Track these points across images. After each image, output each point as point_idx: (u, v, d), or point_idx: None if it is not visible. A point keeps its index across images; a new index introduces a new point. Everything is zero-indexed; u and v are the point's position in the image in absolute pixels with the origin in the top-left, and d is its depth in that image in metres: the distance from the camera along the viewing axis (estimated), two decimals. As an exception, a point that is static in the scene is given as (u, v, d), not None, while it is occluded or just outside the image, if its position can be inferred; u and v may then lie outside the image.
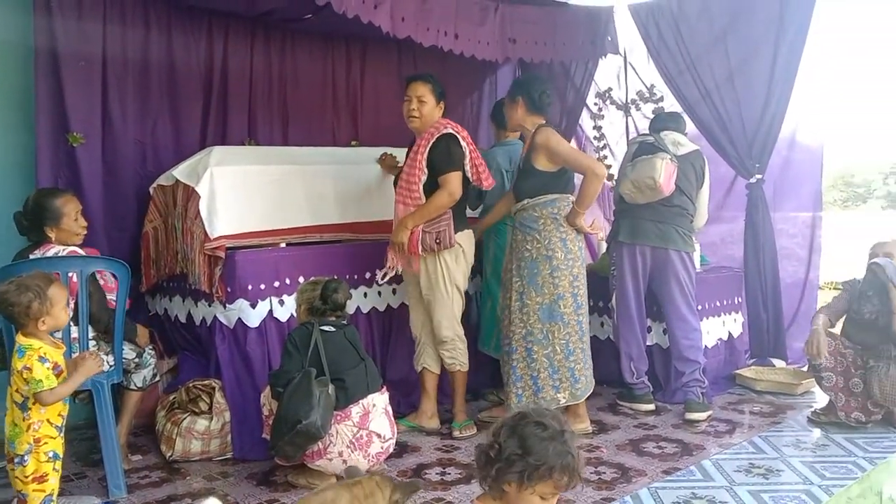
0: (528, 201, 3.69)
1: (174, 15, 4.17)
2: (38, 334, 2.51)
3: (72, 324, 2.99)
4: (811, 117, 4.91)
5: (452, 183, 3.58)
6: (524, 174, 3.74)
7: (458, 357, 3.77)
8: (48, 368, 2.46)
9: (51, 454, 2.51)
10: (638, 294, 4.15)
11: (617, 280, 4.18)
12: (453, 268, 3.70)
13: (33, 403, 2.47)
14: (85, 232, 3.34)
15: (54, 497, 2.54)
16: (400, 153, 4.06)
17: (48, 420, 2.51)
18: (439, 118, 3.70)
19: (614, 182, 4.51)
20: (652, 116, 4.79)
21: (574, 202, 3.66)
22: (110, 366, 3.16)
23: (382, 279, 3.77)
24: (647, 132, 4.29)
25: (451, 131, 3.64)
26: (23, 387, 2.45)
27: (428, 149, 3.61)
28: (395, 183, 3.81)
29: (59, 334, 2.82)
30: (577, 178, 3.80)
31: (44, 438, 2.50)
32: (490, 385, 4.42)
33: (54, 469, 2.52)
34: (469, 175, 3.70)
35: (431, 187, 3.61)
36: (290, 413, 2.90)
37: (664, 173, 3.84)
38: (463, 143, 3.66)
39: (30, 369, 2.43)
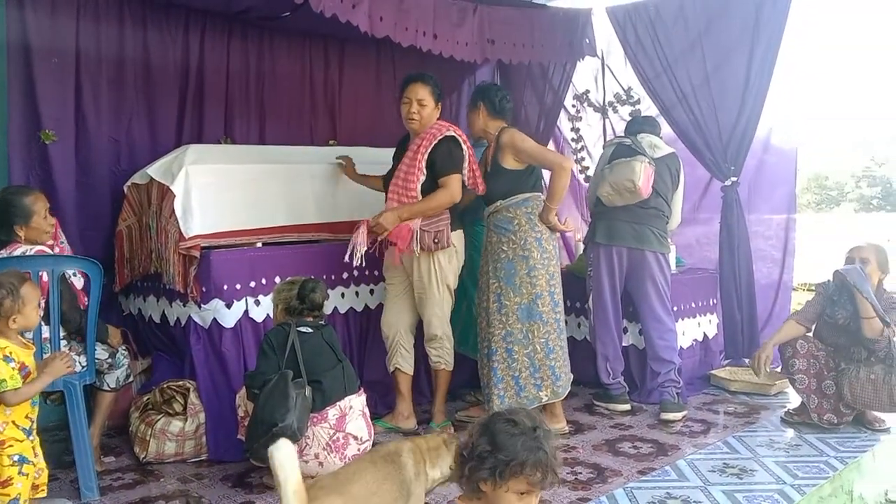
0: (500, 203, 3.73)
1: (150, 11, 4.13)
2: (7, 333, 2.47)
3: (43, 323, 2.95)
4: (785, 121, 4.98)
5: (454, 185, 3.61)
6: (493, 175, 3.76)
7: (444, 356, 3.79)
8: (13, 368, 2.41)
9: (16, 458, 2.44)
10: (614, 295, 4.18)
11: (593, 281, 4.21)
12: (446, 267, 3.72)
13: (4, 405, 2.42)
14: (52, 230, 3.29)
15: (20, 501, 2.46)
16: (381, 152, 4.05)
17: (13, 422, 2.45)
18: (437, 119, 3.73)
19: (589, 183, 4.53)
20: (629, 119, 4.83)
21: (545, 199, 3.71)
22: (82, 366, 3.11)
23: (349, 258, 3.66)
24: (624, 135, 4.31)
25: (453, 134, 3.67)
26: None
27: (429, 150, 3.62)
28: (386, 182, 3.78)
29: (29, 335, 2.77)
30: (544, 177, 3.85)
31: (8, 441, 2.43)
32: (468, 385, 4.42)
33: (20, 473, 2.45)
34: (465, 179, 3.72)
35: (429, 188, 3.62)
36: (266, 415, 2.87)
37: (643, 176, 3.88)
38: (463, 147, 3.69)
39: None
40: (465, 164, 3.70)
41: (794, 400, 4.16)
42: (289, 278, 3.25)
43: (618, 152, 4.06)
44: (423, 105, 3.67)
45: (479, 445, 1.74)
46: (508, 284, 3.68)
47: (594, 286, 4.19)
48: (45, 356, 2.83)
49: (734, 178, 4.66)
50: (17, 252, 3.04)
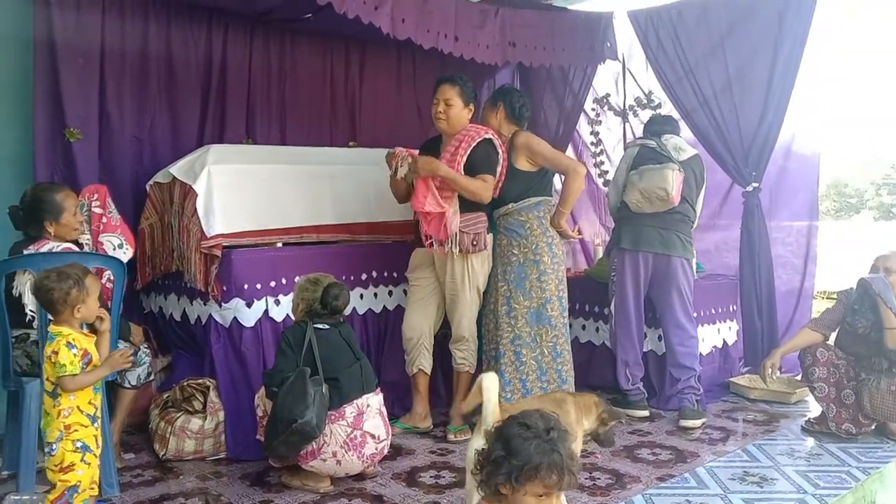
0: (512, 206, 3.75)
1: (174, 12, 4.16)
2: (70, 322, 2.51)
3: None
4: (808, 126, 4.93)
5: (491, 185, 3.64)
6: (505, 176, 3.76)
7: (469, 358, 3.81)
8: (74, 355, 2.45)
9: (79, 444, 2.46)
10: (638, 301, 4.14)
11: (617, 286, 4.16)
12: (479, 270, 3.74)
13: (62, 390, 2.45)
14: (81, 227, 3.32)
15: (81, 489, 2.47)
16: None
17: (78, 407, 2.47)
18: (474, 122, 3.76)
19: (608, 187, 4.49)
20: (648, 119, 4.78)
21: (558, 203, 3.73)
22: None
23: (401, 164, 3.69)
24: (646, 136, 4.27)
25: (491, 137, 3.69)
26: (52, 373, 2.44)
27: (468, 151, 3.63)
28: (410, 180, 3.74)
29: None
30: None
31: (74, 426, 2.46)
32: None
33: (83, 460, 2.47)
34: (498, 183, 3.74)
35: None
36: (285, 412, 2.89)
37: (675, 185, 3.87)
38: (499, 151, 3.71)
39: (56, 353, 2.42)
40: (498, 167, 3.71)
41: (814, 409, 4.12)
42: (312, 276, 3.25)
43: (643, 154, 4.03)
44: (449, 105, 3.69)
45: (495, 450, 1.74)
46: (518, 288, 3.70)
47: (617, 292, 4.16)
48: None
49: (756, 184, 4.62)
50: (45, 248, 3.07)
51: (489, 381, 2.48)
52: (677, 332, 4.07)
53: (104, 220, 3.33)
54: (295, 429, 2.87)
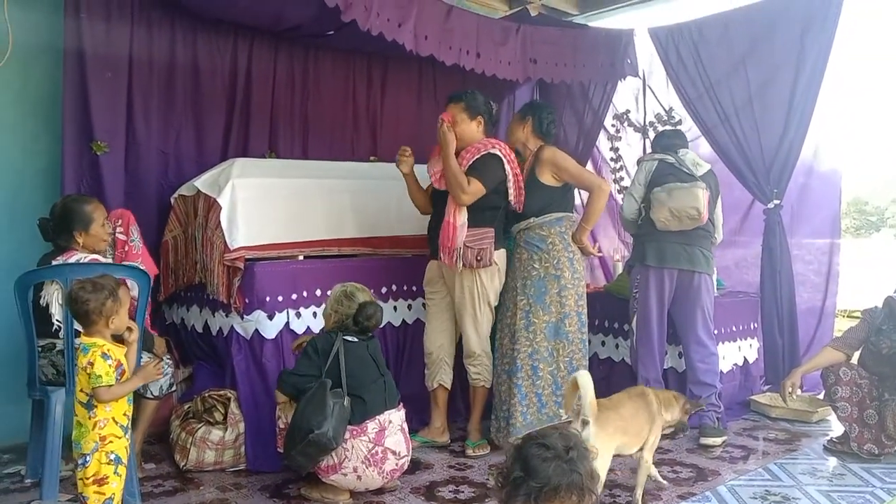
0: (533, 220, 3.75)
1: (200, 28, 4.23)
2: (104, 333, 2.53)
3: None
4: (830, 143, 4.91)
5: (472, 188, 3.59)
6: (528, 190, 3.77)
7: (483, 373, 3.79)
8: (110, 366, 2.47)
9: (113, 457, 2.48)
10: (661, 318, 4.10)
11: (640, 303, 4.12)
12: (488, 286, 3.72)
13: (97, 403, 2.47)
14: (109, 239, 3.37)
15: (115, 502, 2.49)
16: (421, 168, 4.07)
17: (113, 418, 2.49)
18: (488, 137, 3.76)
19: (620, 209, 4.47)
20: (658, 133, 4.76)
21: (581, 219, 3.75)
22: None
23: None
24: (656, 150, 4.23)
25: (496, 152, 3.69)
26: (86, 384, 2.46)
27: (470, 164, 3.66)
28: (436, 195, 3.79)
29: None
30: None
31: (109, 437, 2.47)
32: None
33: (116, 473, 2.49)
34: (511, 197, 3.73)
35: (473, 203, 3.63)
36: (304, 423, 2.91)
37: (705, 203, 3.87)
38: (507, 167, 3.70)
39: (92, 364, 2.44)
40: (510, 183, 3.70)
41: (836, 428, 4.07)
42: (350, 288, 3.27)
43: (662, 169, 4.02)
44: (455, 123, 3.72)
45: (513, 471, 1.72)
46: (538, 302, 3.69)
47: (640, 309, 4.12)
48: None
49: (777, 201, 4.60)
50: (73, 259, 3.11)
51: (584, 378, 2.82)
52: (698, 349, 4.04)
53: (127, 247, 3.38)
54: (311, 439, 2.89)
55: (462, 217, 3.63)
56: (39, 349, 3.10)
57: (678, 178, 3.96)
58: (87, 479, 2.45)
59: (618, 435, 2.96)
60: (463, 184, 3.58)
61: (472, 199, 3.61)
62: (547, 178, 3.75)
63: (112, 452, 2.48)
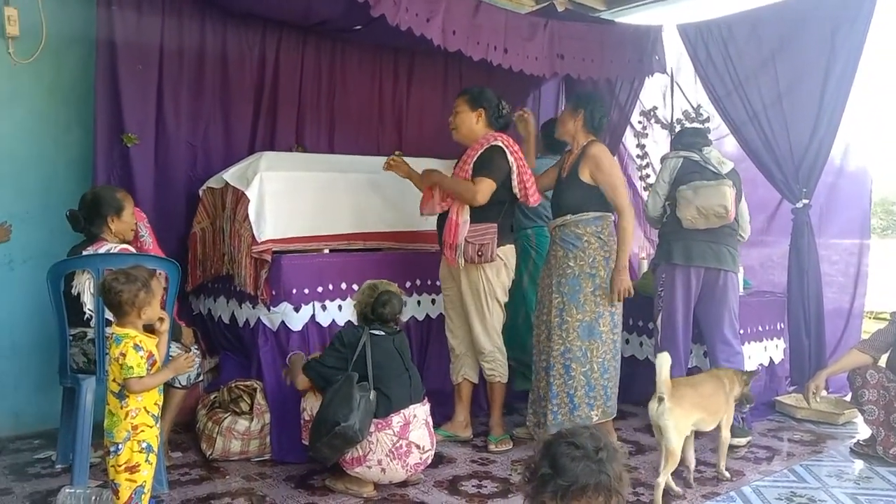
0: (570, 217, 3.69)
1: (229, 21, 4.26)
2: (136, 324, 2.55)
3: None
4: (861, 141, 4.84)
5: (480, 186, 3.59)
6: (567, 185, 3.74)
7: (498, 369, 3.78)
8: (141, 357, 2.49)
9: (144, 445, 2.50)
10: (687, 317, 4.05)
11: (665, 302, 4.07)
12: (494, 281, 3.71)
13: (128, 393, 2.49)
14: (136, 229, 3.42)
15: (146, 489, 2.52)
16: (445, 164, 4.09)
17: (145, 408, 2.51)
18: (492, 132, 3.73)
19: (644, 206, 4.43)
20: (679, 131, 4.70)
21: (617, 250, 3.61)
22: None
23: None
24: (683, 148, 4.14)
25: (499, 144, 3.67)
26: (118, 375, 2.48)
27: (475, 159, 3.65)
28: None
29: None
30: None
31: (141, 426, 2.50)
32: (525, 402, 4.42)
33: (147, 461, 2.51)
34: (516, 191, 3.71)
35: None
36: (330, 415, 2.94)
37: (732, 201, 3.82)
38: (510, 158, 3.67)
39: (124, 355, 2.46)
40: (514, 176, 3.67)
41: (862, 431, 4.03)
42: (376, 281, 3.30)
43: (687, 167, 3.98)
44: (457, 113, 3.76)
45: (541, 468, 1.71)
46: (572, 301, 3.64)
47: (665, 307, 4.07)
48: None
49: (806, 201, 4.55)
50: (103, 249, 3.17)
51: (662, 357, 3.10)
52: (724, 349, 4.01)
53: (138, 242, 3.46)
54: (337, 431, 2.91)
55: (465, 214, 3.64)
56: (71, 338, 3.16)
57: (703, 175, 3.92)
58: (119, 466, 2.48)
59: (695, 411, 3.19)
60: (469, 188, 3.59)
61: (486, 197, 3.60)
62: (586, 176, 3.66)
63: (144, 441, 2.50)
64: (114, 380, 2.51)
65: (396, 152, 4.96)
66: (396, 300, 3.23)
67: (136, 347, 2.49)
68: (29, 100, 3.82)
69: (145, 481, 2.52)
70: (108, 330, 3.05)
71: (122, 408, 2.49)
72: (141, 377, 2.48)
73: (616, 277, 3.60)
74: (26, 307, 3.80)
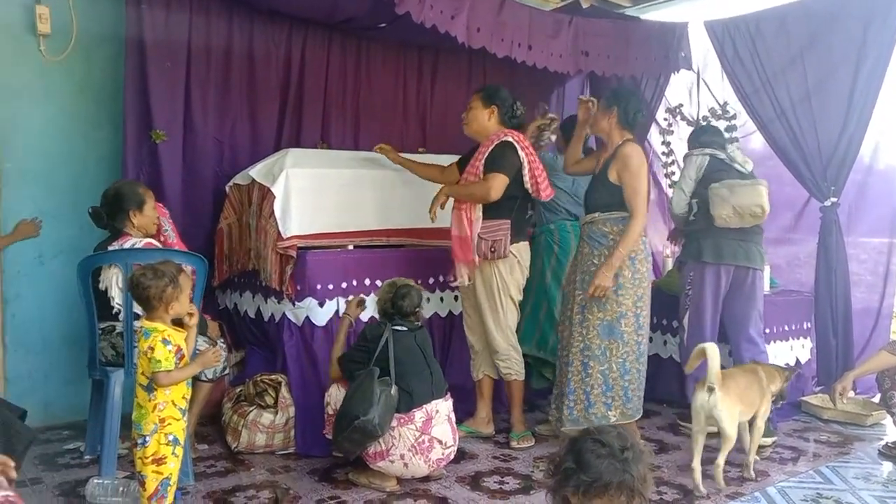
0: (598, 215, 3.65)
1: (256, 20, 4.29)
2: (164, 319, 2.58)
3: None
4: (890, 140, 4.77)
5: (492, 182, 3.59)
6: (597, 183, 3.71)
7: (514, 367, 3.78)
8: (170, 351, 2.52)
9: (171, 438, 2.53)
10: (714, 316, 4.00)
11: (692, 300, 4.02)
12: (507, 278, 3.71)
13: (156, 385, 2.52)
14: (159, 222, 3.47)
15: (172, 481, 2.55)
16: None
17: (172, 401, 2.55)
18: (504, 129, 3.73)
19: (669, 203, 4.39)
20: (697, 128, 4.61)
21: (619, 243, 3.52)
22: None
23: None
24: (709, 144, 4.08)
25: (510, 139, 3.67)
26: (147, 368, 2.52)
27: (486, 155, 3.67)
28: None
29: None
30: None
31: (168, 419, 2.53)
32: (546, 399, 4.42)
33: (173, 453, 2.54)
34: (527, 186, 3.70)
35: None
36: (350, 409, 2.97)
37: (768, 200, 3.78)
38: (521, 153, 3.67)
39: (153, 349, 2.49)
40: (525, 171, 3.66)
41: (891, 433, 3.98)
42: (393, 279, 3.34)
43: (714, 165, 3.94)
44: (469, 108, 3.79)
45: (566, 462, 1.72)
46: (594, 299, 3.60)
47: (693, 306, 4.02)
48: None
49: (834, 199, 4.49)
50: (128, 244, 3.21)
51: (712, 349, 3.19)
52: (750, 347, 3.96)
53: (162, 237, 3.49)
54: (357, 426, 2.94)
55: (477, 211, 3.65)
56: (99, 331, 3.21)
57: (731, 174, 3.87)
58: (146, 458, 2.52)
59: (737, 402, 3.25)
60: (481, 186, 3.61)
61: (500, 192, 3.59)
62: (613, 176, 3.60)
63: (171, 434, 2.54)
64: (142, 373, 2.55)
65: (420, 149, 5.02)
66: (415, 293, 3.25)
67: (165, 342, 2.52)
68: (60, 97, 3.89)
69: (171, 473, 2.56)
70: (137, 324, 3.11)
71: (149, 401, 2.53)
72: (169, 371, 2.51)
73: (599, 271, 3.51)
74: (56, 301, 3.88)
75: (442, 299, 4.18)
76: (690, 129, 5.40)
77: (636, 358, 3.61)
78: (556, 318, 4.09)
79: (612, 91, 3.86)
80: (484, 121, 3.75)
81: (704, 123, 4.81)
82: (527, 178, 3.68)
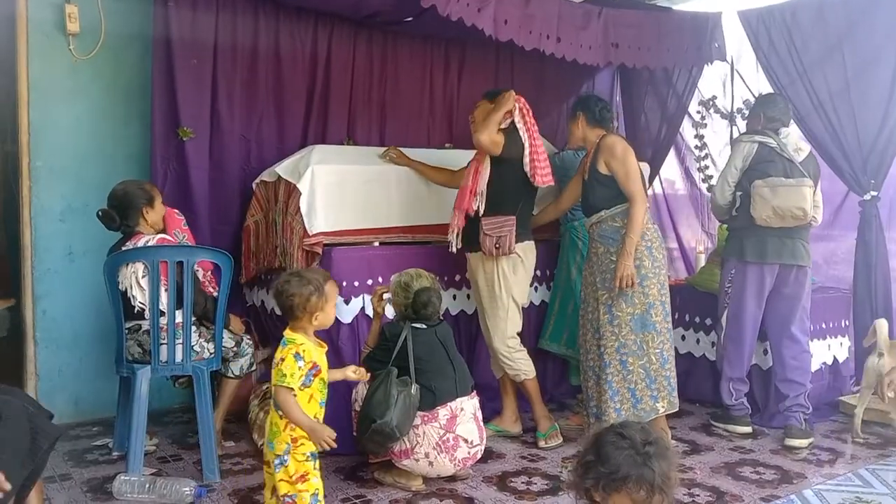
0: (604, 212, 3.62)
1: (282, 16, 4.27)
2: (307, 329, 2.49)
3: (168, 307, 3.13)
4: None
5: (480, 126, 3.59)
6: (592, 184, 3.67)
7: (520, 367, 3.70)
8: (300, 368, 2.40)
9: (308, 454, 2.46)
10: (756, 317, 3.90)
11: (733, 299, 3.92)
12: (510, 277, 3.64)
13: (274, 398, 2.43)
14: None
15: (321, 494, 2.48)
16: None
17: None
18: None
19: (711, 194, 4.27)
20: (757, 98, 4.48)
21: (625, 232, 3.51)
22: (210, 353, 3.27)
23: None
24: (760, 131, 3.91)
25: (518, 123, 3.64)
26: (276, 379, 2.42)
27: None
28: None
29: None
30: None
31: (300, 438, 2.44)
32: (570, 395, 4.37)
33: (314, 468, 2.47)
34: (527, 168, 3.62)
35: (496, 181, 3.62)
36: (368, 412, 2.96)
37: (811, 202, 3.67)
38: (524, 136, 3.61)
39: (283, 360, 2.40)
40: (526, 157, 3.60)
41: (935, 435, 3.85)
42: (405, 277, 3.29)
43: (762, 154, 3.78)
44: (475, 108, 3.79)
45: (587, 454, 1.71)
46: (620, 295, 3.55)
47: (733, 305, 3.92)
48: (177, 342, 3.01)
49: (874, 193, 4.35)
50: (141, 242, 3.21)
51: (882, 323, 3.83)
52: (791, 346, 3.85)
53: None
54: (375, 429, 2.92)
55: (486, 162, 3.62)
56: (126, 330, 3.22)
57: (779, 166, 3.73)
58: (290, 478, 2.43)
59: None
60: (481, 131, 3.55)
61: (489, 135, 3.53)
62: (603, 168, 3.59)
63: (306, 451, 2.45)
64: (274, 384, 2.45)
65: (447, 145, 4.97)
66: (436, 297, 3.20)
67: (297, 356, 2.40)
68: (89, 95, 3.92)
69: (318, 488, 2.48)
70: (163, 321, 3.12)
71: (281, 418, 2.43)
72: (291, 389, 2.38)
73: (619, 263, 3.49)
74: (85, 298, 3.91)
75: (468, 296, 4.13)
76: (724, 122, 5.30)
77: (671, 346, 3.64)
78: None
79: (573, 104, 3.97)
80: (487, 112, 3.70)
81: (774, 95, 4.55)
82: (527, 164, 3.61)
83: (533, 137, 3.64)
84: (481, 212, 3.61)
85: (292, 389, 2.40)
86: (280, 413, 2.43)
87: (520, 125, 3.63)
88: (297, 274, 2.51)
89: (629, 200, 3.54)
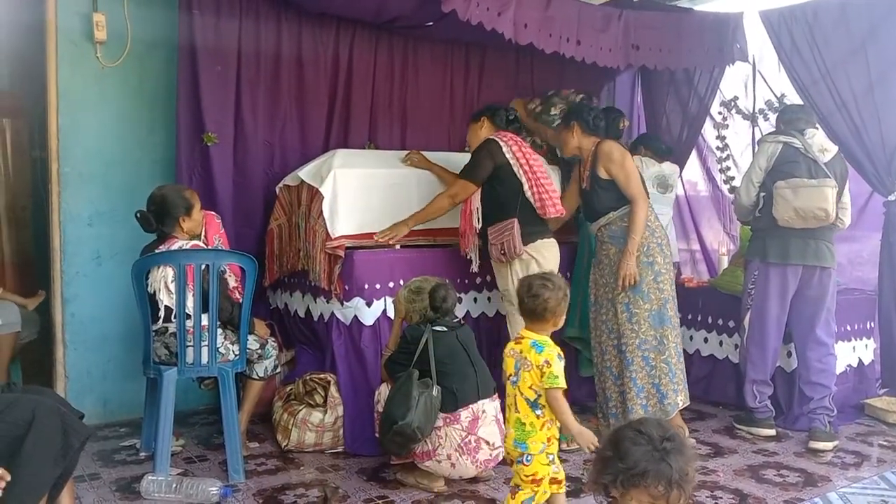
0: (612, 214, 3.69)
1: (304, 22, 4.32)
2: (548, 331, 2.59)
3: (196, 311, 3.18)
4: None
5: (455, 188, 3.70)
6: (596, 190, 3.70)
7: None
8: (563, 368, 2.50)
9: (551, 458, 2.53)
10: (780, 319, 3.88)
11: (757, 302, 3.90)
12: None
13: (544, 403, 2.50)
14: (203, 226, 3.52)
15: (535, 499, 2.52)
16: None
17: (552, 419, 2.53)
18: (499, 131, 3.76)
19: (736, 194, 4.25)
20: (780, 108, 4.49)
21: (628, 238, 3.58)
22: (235, 355, 3.31)
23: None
24: (785, 126, 3.91)
25: (493, 138, 3.67)
26: (537, 382, 2.49)
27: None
28: None
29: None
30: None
31: (552, 439, 2.51)
32: (591, 397, 4.36)
33: (549, 475, 2.53)
34: (531, 199, 3.63)
35: (488, 197, 3.70)
36: (390, 413, 2.98)
37: (833, 203, 3.65)
38: (508, 150, 3.63)
39: (549, 364, 2.46)
40: (515, 168, 3.61)
41: (963, 438, 3.80)
42: (413, 285, 3.33)
43: (786, 155, 3.76)
44: (468, 129, 3.91)
45: (605, 450, 1.72)
46: (636, 293, 3.61)
47: (756, 307, 3.90)
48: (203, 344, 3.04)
49: (899, 193, 4.31)
50: (175, 246, 3.26)
51: None
52: (816, 348, 3.82)
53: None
54: (396, 430, 2.94)
55: (475, 201, 3.70)
56: (153, 332, 3.27)
57: (801, 168, 3.71)
58: (527, 477, 2.50)
59: None
60: (440, 204, 3.71)
61: (462, 197, 3.70)
62: (604, 174, 3.67)
63: (551, 454, 2.52)
64: (530, 386, 2.50)
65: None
66: (450, 290, 3.22)
67: (560, 358, 2.50)
68: (115, 102, 3.99)
69: (541, 497, 2.53)
70: (189, 323, 3.16)
71: (538, 417, 2.50)
72: (565, 389, 2.47)
73: (622, 262, 3.58)
74: (113, 301, 3.98)
75: (490, 299, 4.15)
76: (746, 122, 5.27)
77: (681, 340, 3.76)
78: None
79: (565, 115, 4.01)
80: (477, 132, 3.80)
81: (794, 104, 4.52)
82: (521, 176, 3.62)
83: (531, 172, 3.63)
84: (481, 224, 3.69)
85: (565, 390, 2.48)
86: (539, 413, 2.50)
87: (513, 163, 3.63)
88: (548, 278, 2.59)
89: (631, 202, 3.62)
